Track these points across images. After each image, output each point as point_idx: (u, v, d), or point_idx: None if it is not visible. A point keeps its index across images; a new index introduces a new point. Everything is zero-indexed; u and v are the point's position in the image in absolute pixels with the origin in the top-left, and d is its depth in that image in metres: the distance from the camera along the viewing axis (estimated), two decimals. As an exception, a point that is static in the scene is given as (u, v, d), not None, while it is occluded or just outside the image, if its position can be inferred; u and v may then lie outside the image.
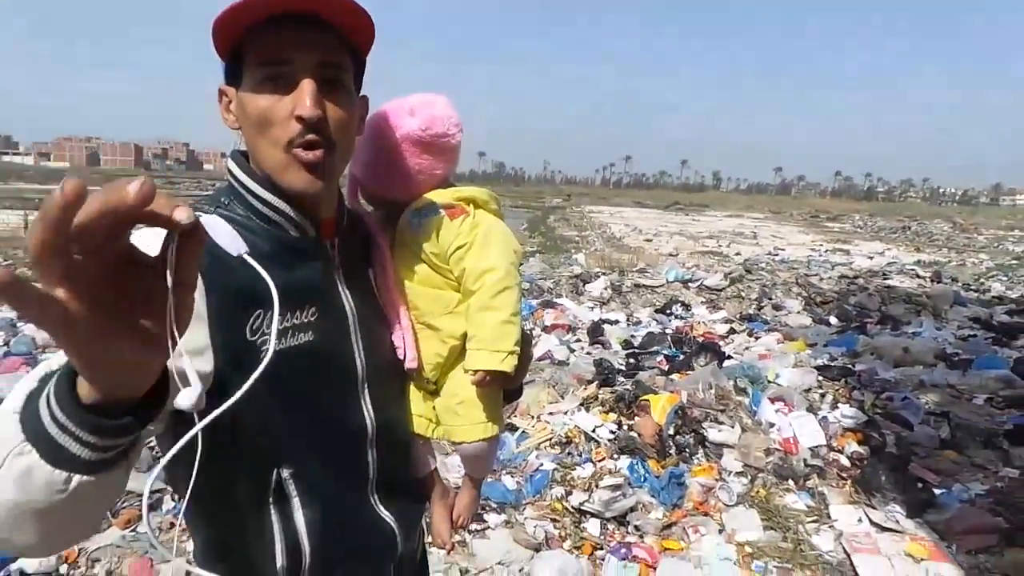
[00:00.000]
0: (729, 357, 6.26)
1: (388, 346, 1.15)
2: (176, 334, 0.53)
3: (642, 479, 3.91)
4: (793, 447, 4.36)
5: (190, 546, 1.09)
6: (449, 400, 1.20)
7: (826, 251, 20.34)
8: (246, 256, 0.72)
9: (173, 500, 3.42)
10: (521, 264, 1.27)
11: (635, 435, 4.33)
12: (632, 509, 3.70)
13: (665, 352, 6.67)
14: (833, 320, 8.84)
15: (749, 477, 4.14)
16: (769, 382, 5.49)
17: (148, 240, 0.53)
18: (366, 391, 1.09)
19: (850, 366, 6.25)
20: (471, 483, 1.39)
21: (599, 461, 4.12)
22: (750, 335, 7.82)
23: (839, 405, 5.13)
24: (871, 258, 18.26)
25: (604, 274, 11.64)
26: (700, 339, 7.17)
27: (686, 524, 3.63)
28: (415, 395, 1.22)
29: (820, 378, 5.70)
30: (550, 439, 4.45)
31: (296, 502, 0.98)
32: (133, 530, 3.33)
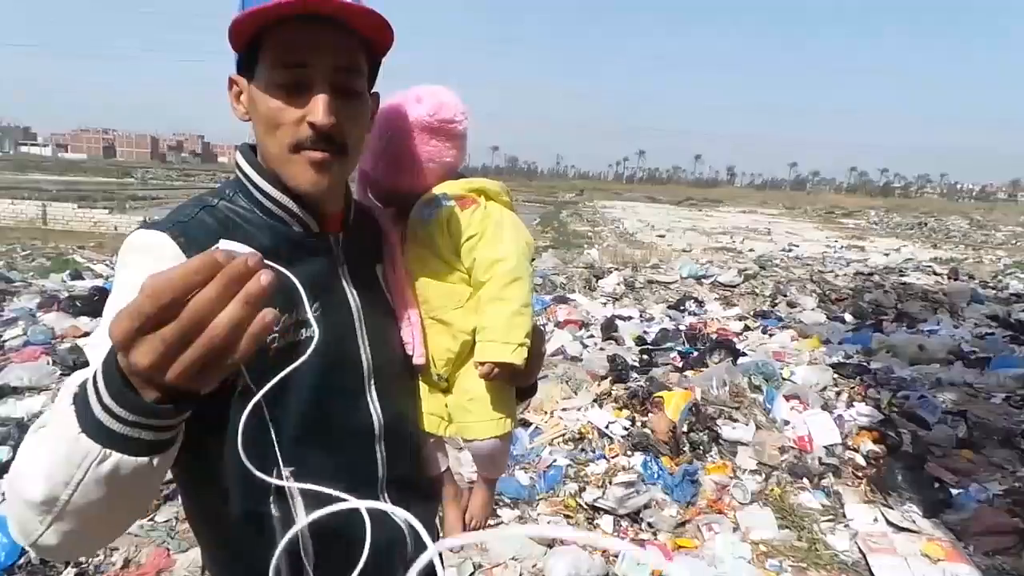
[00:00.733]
0: (743, 354, 6.23)
1: (396, 342, 1.14)
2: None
3: (656, 476, 3.91)
4: (808, 445, 4.34)
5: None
6: (461, 396, 1.19)
7: (841, 248, 20.16)
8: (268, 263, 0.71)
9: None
10: (533, 259, 1.25)
11: (649, 432, 4.33)
12: (646, 506, 3.70)
13: (679, 349, 6.65)
14: (848, 317, 8.77)
15: (763, 475, 4.12)
16: (784, 379, 5.46)
17: (235, 247, 0.62)
18: (372, 387, 1.07)
19: (865, 364, 6.21)
20: (485, 483, 1.37)
21: (612, 457, 4.11)
22: (764, 332, 7.77)
23: (854, 403, 5.10)
24: (887, 255, 18.07)
25: (617, 270, 11.60)
26: (714, 336, 7.14)
27: (700, 522, 3.62)
28: (425, 392, 1.21)
29: (835, 376, 5.67)
30: (563, 435, 4.45)
31: (299, 502, 0.96)
32: (151, 519, 3.37)
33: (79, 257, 11.63)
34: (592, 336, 7.35)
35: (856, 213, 46.54)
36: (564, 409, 4.86)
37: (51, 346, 5.89)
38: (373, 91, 1.03)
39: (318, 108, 0.90)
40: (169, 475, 0.99)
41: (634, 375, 5.54)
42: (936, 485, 3.94)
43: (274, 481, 0.75)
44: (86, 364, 0.79)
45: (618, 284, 10.27)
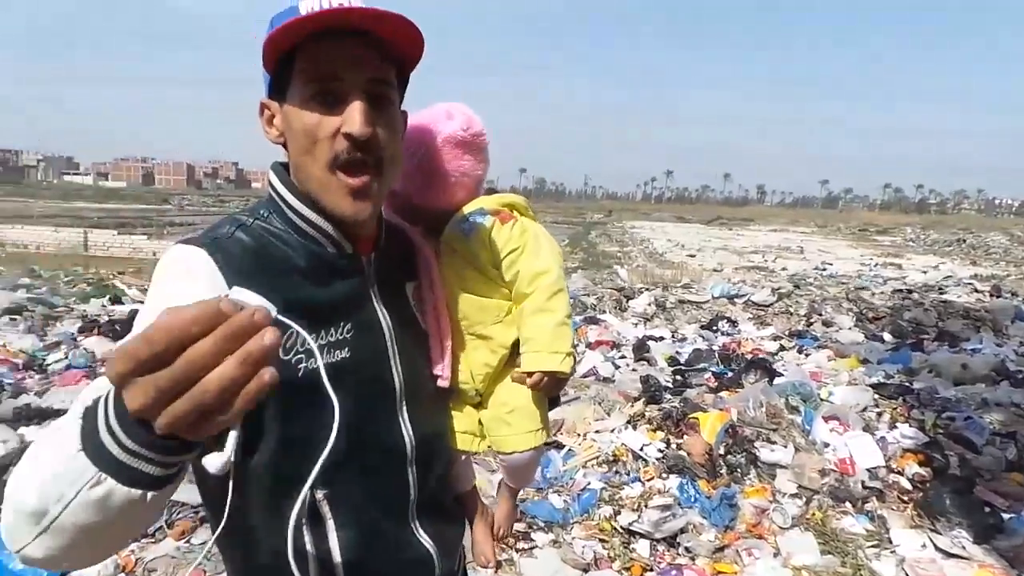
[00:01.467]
0: (779, 374, 6.11)
1: (426, 362, 1.14)
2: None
3: (692, 499, 3.83)
4: (850, 468, 4.22)
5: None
6: (499, 410, 1.19)
7: (877, 265, 19.78)
8: (279, 316, 0.65)
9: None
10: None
11: (684, 454, 4.25)
12: (682, 530, 3.62)
13: (713, 369, 6.55)
14: (887, 336, 8.57)
15: (804, 499, 4.01)
16: (822, 400, 5.34)
17: (246, 297, 0.60)
18: (404, 408, 1.06)
19: (908, 384, 6.04)
20: (509, 493, 1.39)
21: (648, 480, 4.04)
22: (800, 352, 7.63)
23: (897, 424, 4.95)
24: (925, 272, 17.70)
25: (648, 290, 11.51)
26: (749, 356, 7.03)
27: (739, 547, 3.53)
28: (456, 411, 1.21)
29: (876, 396, 5.52)
30: (597, 457, 4.39)
31: (331, 524, 0.96)
32: (187, 541, 3.39)
33: (119, 282, 11.92)
34: (624, 357, 7.30)
35: (891, 230, 45.74)
36: (597, 431, 4.81)
37: (91, 369, 6.02)
38: (402, 110, 1.03)
39: (355, 117, 0.89)
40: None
41: (667, 396, 5.46)
42: (986, 510, 3.79)
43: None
44: None
45: (649, 304, 10.19)
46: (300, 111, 0.91)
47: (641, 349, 7.36)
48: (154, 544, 3.35)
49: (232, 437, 0.61)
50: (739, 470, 4.21)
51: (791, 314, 10.11)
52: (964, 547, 3.52)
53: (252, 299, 0.59)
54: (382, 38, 0.91)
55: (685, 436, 4.45)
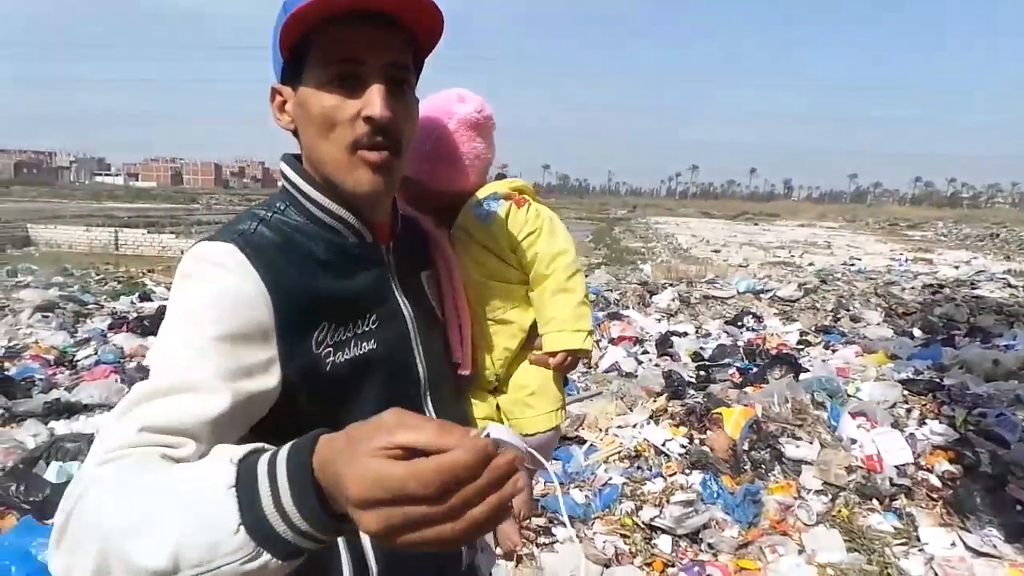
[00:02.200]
0: (805, 370, 6.02)
1: (444, 350, 1.14)
2: None
3: (715, 495, 3.79)
4: (877, 465, 4.14)
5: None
6: (519, 393, 1.21)
7: (907, 260, 19.41)
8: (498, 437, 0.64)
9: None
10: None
11: (707, 449, 4.21)
12: (705, 526, 3.58)
13: (737, 364, 6.48)
14: (917, 332, 8.40)
15: (830, 495, 3.94)
16: (849, 396, 5.25)
17: (504, 436, 0.62)
18: (428, 398, 1.06)
19: (938, 380, 5.91)
20: (525, 475, 1.39)
21: (670, 476, 4.01)
22: (827, 347, 7.51)
23: (927, 421, 4.85)
24: (956, 267, 17.31)
25: (671, 285, 11.43)
26: (774, 351, 6.94)
27: (763, 543, 3.48)
28: (474, 398, 1.23)
29: (905, 392, 5.41)
30: (619, 452, 4.37)
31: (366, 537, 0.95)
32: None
33: (148, 280, 12.14)
34: (647, 352, 7.25)
35: (922, 225, 44.89)
36: (619, 426, 4.78)
37: (120, 365, 6.13)
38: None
39: (375, 100, 0.88)
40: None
41: (691, 391, 5.42)
42: (1018, 508, 3.70)
43: None
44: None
45: (672, 300, 10.10)
46: (319, 93, 0.90)
47: (664, 344, 7.30)
48: None
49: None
50: (763, 466, 4.15)
51: (818, 310, 9.95)
52: (995, 545, 3.44)
53: (509, 438, 0.61)
54: (402, 22, 0.90)
55: (708, 432, 4.40)
